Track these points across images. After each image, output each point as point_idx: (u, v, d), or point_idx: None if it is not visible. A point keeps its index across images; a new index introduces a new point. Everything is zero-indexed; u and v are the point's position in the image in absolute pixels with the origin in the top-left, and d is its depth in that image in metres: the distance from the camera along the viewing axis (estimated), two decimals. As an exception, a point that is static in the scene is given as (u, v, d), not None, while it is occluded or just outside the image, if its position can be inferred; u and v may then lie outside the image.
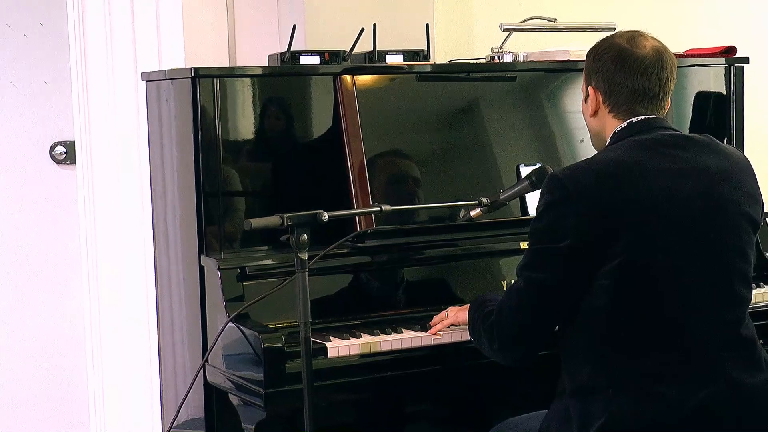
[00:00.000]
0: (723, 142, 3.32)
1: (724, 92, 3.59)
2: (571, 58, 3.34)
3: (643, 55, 2.44)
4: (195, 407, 3.03)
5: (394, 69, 3.19)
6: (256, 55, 3.47)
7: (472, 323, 2.57)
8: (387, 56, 3.21)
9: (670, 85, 2.47)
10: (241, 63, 3.52)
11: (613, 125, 2.47)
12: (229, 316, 2.74)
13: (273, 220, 2.52)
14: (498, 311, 2.44)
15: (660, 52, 2.45)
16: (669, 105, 2.50)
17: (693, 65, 3.52)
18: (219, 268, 2.84)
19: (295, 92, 3.06)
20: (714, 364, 2.33)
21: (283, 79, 3.07)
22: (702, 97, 3.56)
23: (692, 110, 3.55)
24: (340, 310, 2.91)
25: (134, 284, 3.49)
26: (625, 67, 2.44)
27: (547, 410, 2.50)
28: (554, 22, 3.48)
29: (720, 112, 3.58)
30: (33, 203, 3.67)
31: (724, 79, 3.58)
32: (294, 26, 3.14)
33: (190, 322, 3.08)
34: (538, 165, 2.93)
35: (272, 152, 3.04)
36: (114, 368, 3.55)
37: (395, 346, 2.76)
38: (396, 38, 3.32)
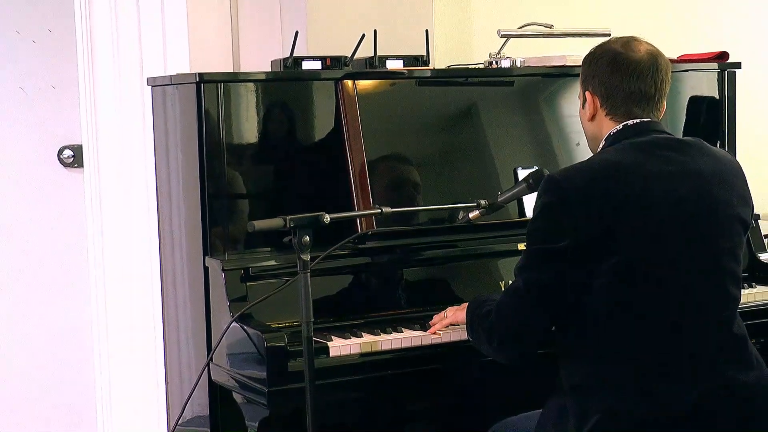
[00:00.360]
0: (716, 146, 3.35)
1: (717, 96, 3.58)
2: (567, 64, 3.34)
3: (638, 58, 2.44)
4: (200, 405, 3.03)
5: (394, 74, 3.18)
6: (259, 61, 3.47)
7: (471, 323, 2.57)
8: (387, 61, 3.21)
9: (665, 87, 2.48)
10: (244, 68, 3.52)
11: (609, 127, 2.47)
12: (233, 316, 2.74)
13: (276, 222, 2.52)
14: (497, 310, 2.43)
15: (654, 56, 2.46)
16: (665, 108, 2.50)
17: (686, 70, 3.52)
18: (223, 269, 2.84)
19: (297, 97, 3.06)
20: (707, 362, 2.33)
21: (286, 84, 3.07)
22: (695, 102, 3.56)
23: (686, 114, 3.54)
24: (342, 310, 2.90)
25: (140, 285, 3.49)
26: (620, 70, 2.44)
27: (542, 410, 2.50)
28: (551, 28, 3.48)
29: (713, 116, 3.58)
30: (41, 205, 3.68)
31: (716, 83, 3.58)
32: (296, 32, 3.14)
33: (195, 322, 3.07)
34: (536, 168, 2.93)
35: (275, 155, 3.04)
36: (121, 367, 3.55)
37: (396, 346, 2.75)
38: (396, 44, 3.32)
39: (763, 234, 3.55)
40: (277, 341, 2.60)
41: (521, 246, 3.02)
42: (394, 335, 2.78)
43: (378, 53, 3.19)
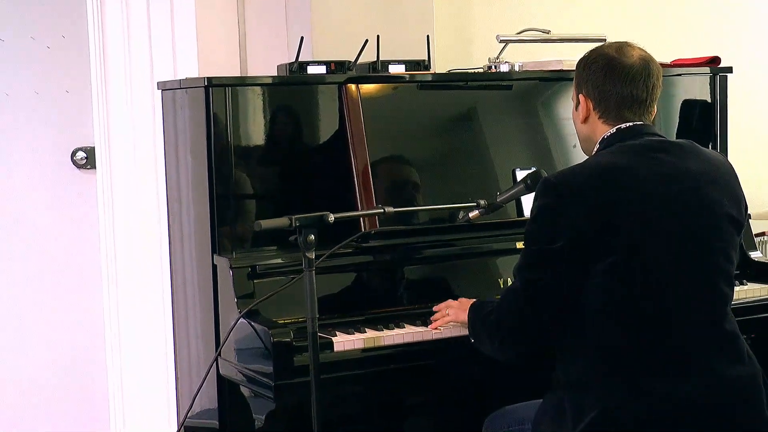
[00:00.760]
0: (708, 147, 3.34)
1: (709, 100, 3.58)
2: (564, 68, 3.33)
3: (631, 63, 2.43)
4: (208, 399, 3.03)
5: (396, 78, 3.18)
6: (265, 65, 3.46)
7: (473, 325, 2.57)
8: (390, 66, 3.21)
9: (656, 92, 2.47)
10: (251, 73, 3.51)
11: (602, 131, 2.46)
12: (240, 313, 2.74)
13: (282, 221, 2.52)
14: (497, 311, 2.44)
15: (646, 61, 2.45)
16: (655, 111, 2.49)
17: (680, 75, 3.51)
18: (231, 267, 2.84)
19: (302, 100, 3.06)
20: (700, 358, 2.32)
21: (292, 88, 3.07)
22: (688, 105, 3.55)
23: (679, 117, 3.53)
24: (346, 307, 2.89)
25: (151, 282, 3.49)
26: (613, 75, 2.43)
27: (539, 400, 2.50)
28: (548, 33, 3.48)
29: (705, 119, 3.57)
30: (55, 205, 3.67)
31: (708, 87, 3.57)
32: (302, 38, 3.14)
33: (203, 318, 3.07)
34: (533, 169, 2.92)
35: (281, 157, 3.04)
36: (132, 362, 3.55)
37: (398, 341, 2.75)
38: (398, 49, 3.32)
39: (754, 233, 3.55)
40: (283, 337, 2.60)
41: (519, 244, 3.01)
42: (396, 331, 2.77)
43: (381, 58, 3.19)
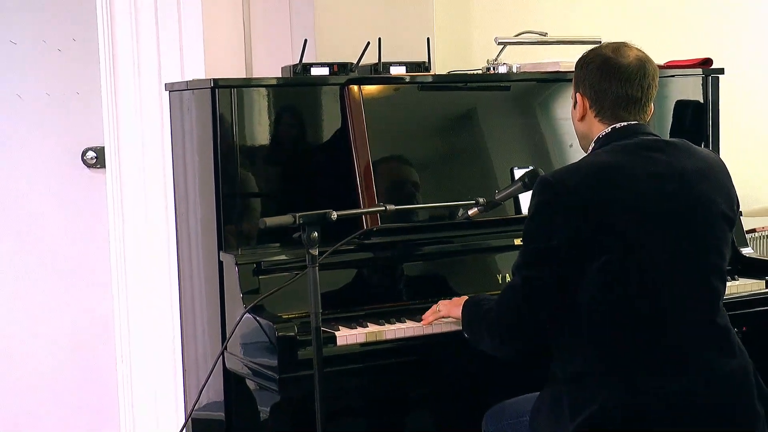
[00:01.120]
0: (701, 146, 3.32)
1: (702, 100, 3.57)
2: (560, 69, 3.33)
3: (627, 63, 2.42)
4: (215, 391, 3.02)
5: (397, 79, 3.17)
6: (270, 67, 3.46)
7: (469, 322, 2.55)
8: (391, 67, 3.20)
9: (652, 92, 2.45)
10: (256, 74, 3.51)
11: (598, 129, 2.45)
12: (246, 308, 2.73)
13: (286, 219, 2.51)
14: (497, 308, 2.42)
15: (643, 61, 2.43)
16: (652, 110, 2.48)
17: (673, 75, 3.50)
18: (237, 264, 2.83)
19: (306, 101, 3.05)
20: (693, 352, 2.31)
21: (296, 89, 3.06)
22: (681, 105, 3.54)
23: (672, 117, 3.52)
24: (348, 302, 2.89)
25: (159, 278, 3.49)
26: (610, 74, 2.42)
27: (537, 393, 2.49)
28: (545, 36, 3.47)
29: (698, 119, 3.56)
30: (66, 203, 3.67)
31: (701, 88, 3.56)
32: (305, 40, 3.14)
33: (210, 313, 3.06)
34: (531, 168, 2.91)
35: (285, 156, 3.03)
36: (141, 355, 3.54)
37: (399, 335, 2.74)
38: (399, 51, 3.31)
39: (745, 230, 3.54)
40: (288, 331, 2.59)
41: (517, 241, 3.01)
42: (398, 325, 2.77)
43: (382, 60, 3.19)
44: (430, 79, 3.21)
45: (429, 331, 2.76)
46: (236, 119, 2.91)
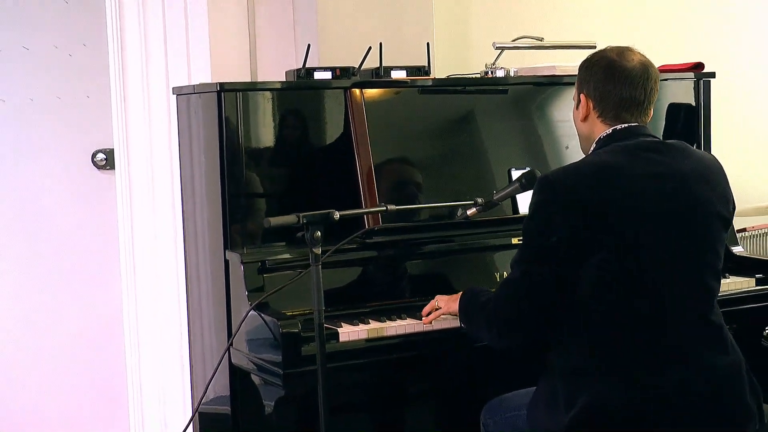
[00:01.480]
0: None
1: (693, 103, 3.56)
2: (556, 73, 3.31)
3: (631, 67, 2.41)
4: (221, 386, 3.01)
5: (398, 83, 3.15)
6: (274, 71, 3.45)
7: (467, 314, 2.54)
8: (392, 72, 3.19)
9: (654, 95, 2.45)
10: (261, 78, 3.50)
11: (600, 130, 2.44)
12: (251, 305, 2.71)
13: (290, 219, 2.50)
14: (495, 301, 2.41)
15: (646, 66, 2.43)
16: (652, 114, 2.47)
17: (665, 79, 3.48)
18: (242, 262, 2.81)
19: (309, 104, 3.03)
20: (688, 349, 2.30)
21: (299, 93, 3.04)
22: (673, 108, 3.53)
23: (665, 120, 3.51)
24: (350, 299, 2.87)
25: (167, 276, 3.48)
26: (614, 77, 2.41)
27: (533, 387, 2.47)
28: (541, 40, 3.46)
29: (689, 122, 3.55)
30: (77, 204, 3.67)
31: (693, 91, 3.55)
32: (309, 45, 3.12)
33: (216, 310, 3.05)
34: (528, 169, 2.90)
35: (289, 158, 3.01)
36: (149, 351, 3.54)
37: (400, 332, 2.72)
38: (400, 56, 3.30)
39: (736, 229, 3.53)
40: (292, 328, 2.58)
41: (515, 240, 3.00)
42: (399, 322, 2.75)
43: (383, 64, 3.17)
44: (429, 83, 3.20)
45: (429, 327, 2.75)
46: (242, 122, 2.90)
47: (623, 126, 2.41)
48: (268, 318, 2.64)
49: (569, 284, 2.28)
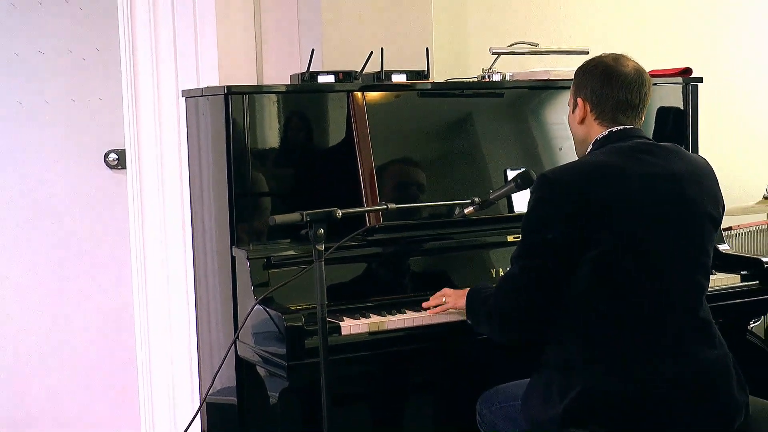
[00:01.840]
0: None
1: (682, 107, 3.54)
2: (551, 78, 3.30)
3: (627, 72, 2.42)
4: (227, 378, 3.00)
5: (398, 87, 3.14)
6: (280, 75, 3.44)
7: (472, 309, 2.54)
8: (392, 76, 3.18)
9: (647, 99, 2.46)
10: (267, 82, 3.48)
11: (596, 132, 2.45)
12: (256, 300, 2.70)
13: (294, 217, 2.49)
14: (495, 295, 2.41)
15: (640, 72, 2.45)
16: (644, 117, 2.48)
17: (655, 83, 3.41)
18: (248, 258, 2.80)
19: (313, 107, 3.02)
20: (678, 343, 2.29)
21: (304, 96, 3.03)
22: (663, 112, 3.51)
23: (655, 122, 3.49)
24: (352, 294, 2.86)
25: (176, 272, 3.46)
26: (611, 81, 2.42)
27: (527, 379, 2.46)
28: (536, 46, 3.44)
29: (678, 125, 3.54)
30: (89, 202, 3.66)
31: (681, 96, 3.54)
32: (312, 50, 3.12)
33: (223, 305, 3.04)
34: (523, 169, 2.89)
35: (294, 158, 3.00)
36: (159, 343, 3.53)
37: (399, 325, 2.71)
38: (400, 60, 3.29)
39: (722, 228, 3.51)
40: (295, 321, 2.57)
41: (510, 238, 3.00)
42: (398, 316, 2.74)
43: (384, 68, 3.16)
44: (429, 87, 3.19)
45: (428, 321, 2.74)
46: (248, 124, 2.88)
47: (619, 128, 2.42)
48: (273, 312, 2.63)
49: (565, 278, 2.27)
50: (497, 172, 3.12)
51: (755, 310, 3.29)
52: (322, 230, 2.44)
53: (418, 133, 3.10)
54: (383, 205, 2.78)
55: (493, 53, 3.35)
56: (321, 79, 3.06)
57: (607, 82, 2.41)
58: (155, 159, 3.47)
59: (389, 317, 2.73)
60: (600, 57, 2.48)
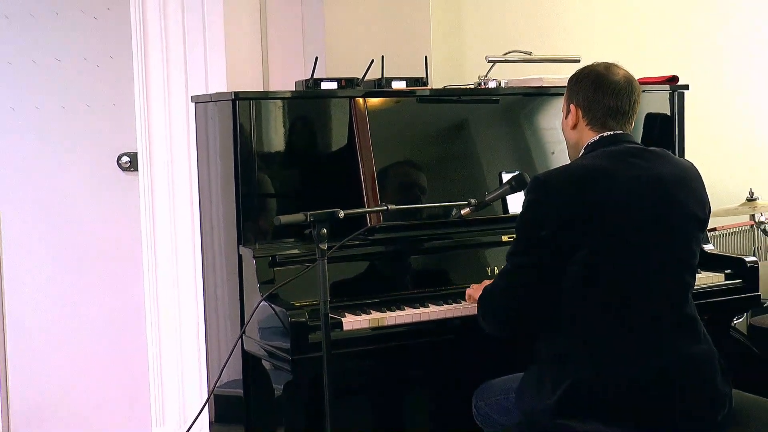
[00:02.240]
0: (669, 154, 3.28)
1: (669, 114, 3.53)
2: (544, 84, 3.29)
3: (617, 80, 2.43)
4: (234, 371, 2.98)
5: (398, 93, 3.13)
6: (285, 81, 3.43)
7: (478, 305, 2.53)
8: (393, 82, 3.16)
9: (636, 106, 2.47)
10: (272, 88, 3.48)
11: (588, 136, 2.44)
12: (262, 296, 2.69)
13: (298, 217, 2.49)
14: (491, 292, 2.41)
15: (630, 80, 2.46)
16: (633, 123, 2.48)
17: (644, 91, 3.39)
18: (254, 257, 2.79)
19: (317, 112, 3.01)
20: (665, 338, 2.29)
21: (308, 101, 3.02)
22: (650, 118, 3.50)
23: (643, 128, 3.48)
24: (354, 292, 2.84)
25: (185, 269, 3.46)
26: (602, 88, 2.42)
27: (521, 373, 2.45)
28: (530, 54, 3.43)
29: (665, 131, 3.52)
30: (103, 203, 3.66)
31: (668, 102, 3.52)
32: (316, 58, 3.11)
33: (230, 301, 3.02)
34: (517, 172, 2.89)
35: (298, 161, 2.99)
36: (169, 339, 3.52)
37: (399, 321, 2.70)
38: (400, 67, 3.28)
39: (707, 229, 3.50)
40: (300, 317, 2.56)
41: (505, 237, 2.99)
42: (398, 312, 2.73)
43: (385, 75, 3.15)
44: (427, 93, 3.18)
45: (426, 318, 2.73)
46: (254, 128, 2.88)
47: (609, 133, 2.42)
48: (277, 308, 2.62)
49: (556, 275, 2.27)
50: (492, 174, 3.11)
51: (738, 308, 3.28)
52: (325, 230, 2.44)
53: (417, 138, 3.09)
54: (384, 206, 2.77)
55: (489, 61, 3.34)
56: (324, 85, 3.05)
57: (599, 90, 2.42)
58: (166, 162, 3.46)
59: (389, 313, 2.72)
60: (592, 66, 2.49)
